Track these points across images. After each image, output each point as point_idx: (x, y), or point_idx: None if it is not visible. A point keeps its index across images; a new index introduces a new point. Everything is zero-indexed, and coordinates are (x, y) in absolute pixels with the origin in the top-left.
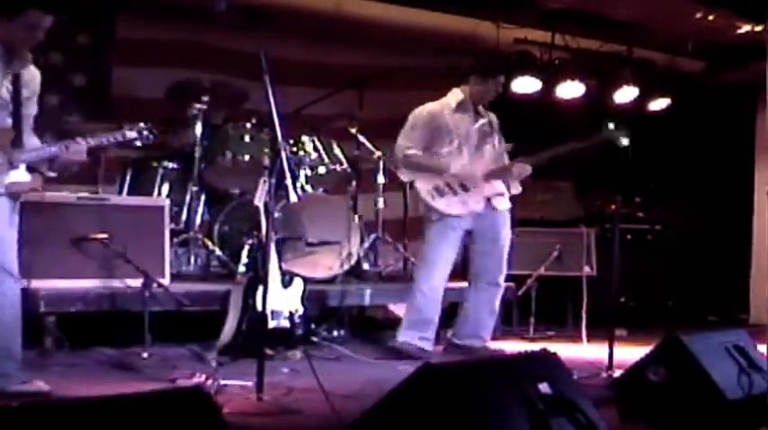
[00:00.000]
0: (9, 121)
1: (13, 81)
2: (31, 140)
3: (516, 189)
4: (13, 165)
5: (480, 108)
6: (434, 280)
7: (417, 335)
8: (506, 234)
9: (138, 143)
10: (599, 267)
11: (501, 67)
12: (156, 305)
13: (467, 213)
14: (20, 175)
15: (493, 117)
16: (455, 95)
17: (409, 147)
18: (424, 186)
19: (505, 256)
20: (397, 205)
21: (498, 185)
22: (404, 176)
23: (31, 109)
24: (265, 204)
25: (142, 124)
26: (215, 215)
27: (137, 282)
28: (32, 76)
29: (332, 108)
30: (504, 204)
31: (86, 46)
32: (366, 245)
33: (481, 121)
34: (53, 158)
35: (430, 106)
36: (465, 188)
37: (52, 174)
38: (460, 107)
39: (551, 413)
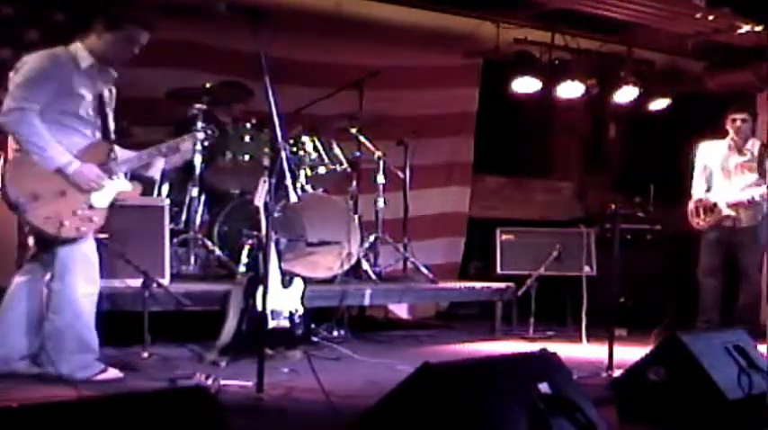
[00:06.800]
0: (99, 135)
1: (98, 97)
2: (123, 152)
3: None
4: (112, 177)
5: None
6: None
7: None
8: None
9: (207, 143)
10: (599, 267)
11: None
12: (156, 305)
13: None
14: (124, 185)
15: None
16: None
17: None
18: None
19: None
20: (397, 205)
21: None
22: None
23: (112, 124)
24: (265, 204)
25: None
26: (215, 215)
27: (137, 282)
28: (113, 94)
29: (332, 108)
30: None
31: None
32: (366, 245)
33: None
34: (149, 163)
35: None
36: None
37: (157, 177)
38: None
39: (551, 413)
